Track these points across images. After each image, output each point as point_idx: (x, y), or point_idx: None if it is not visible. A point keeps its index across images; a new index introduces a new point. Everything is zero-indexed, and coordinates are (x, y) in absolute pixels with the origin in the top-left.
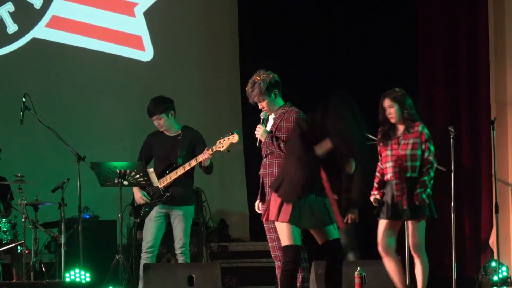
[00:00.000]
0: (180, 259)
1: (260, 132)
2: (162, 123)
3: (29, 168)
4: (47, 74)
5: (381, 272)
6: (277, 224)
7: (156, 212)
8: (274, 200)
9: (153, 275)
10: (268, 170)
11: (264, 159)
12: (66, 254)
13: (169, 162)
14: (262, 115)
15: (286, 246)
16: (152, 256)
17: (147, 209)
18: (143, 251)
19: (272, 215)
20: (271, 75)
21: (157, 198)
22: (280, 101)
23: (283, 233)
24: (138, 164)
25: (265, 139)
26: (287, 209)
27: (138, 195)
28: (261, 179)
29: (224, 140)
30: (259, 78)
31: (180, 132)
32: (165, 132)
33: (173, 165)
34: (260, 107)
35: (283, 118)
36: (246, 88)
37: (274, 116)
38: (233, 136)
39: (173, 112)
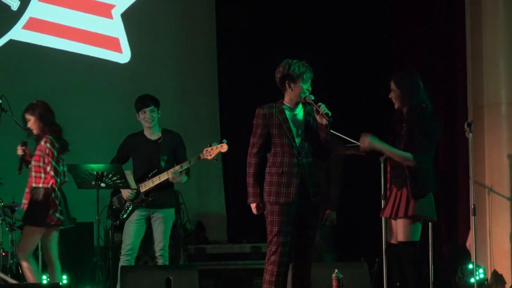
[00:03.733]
0: (159, 261)
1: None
2: (154, 116)
3: (5, 170)
4: (24, 76)
5: (359, 274)
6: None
7: (136, 215)
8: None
9: (131, 277)
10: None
11: (300, 158)
12: (43, 257)
13: (150, 166)
14: (310, 97)
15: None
16: (131, 259)
17: (126, 214)
18: (122, 253)
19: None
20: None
21: (139, 202)
22: None
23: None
24: (116, 166)
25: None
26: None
27: (127, 192)
28: (296, 179)
29: (212, 149)
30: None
31: (160, 135)
32: (145, 134)
33: (155, 169)
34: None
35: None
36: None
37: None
38: (222, 146)
39: (160, 112)
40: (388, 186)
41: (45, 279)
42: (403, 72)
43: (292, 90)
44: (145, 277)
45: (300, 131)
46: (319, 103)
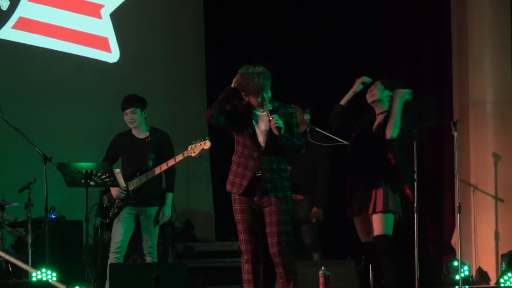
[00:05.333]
0: (148, 259)
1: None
2: (136, 117)
3: None
4: (14, 75)
5: (345, 272)
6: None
7: (125, 213)
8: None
9: (120, 275)
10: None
11: (260, 153)
12: (32, 254)
13: (138, 165)
14: (267, 107)
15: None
16: (120, 257)
17: (116, 210)
18: (111, 251)
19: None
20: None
21: (127, 200)
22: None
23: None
24: (105, 165)
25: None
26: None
27: (116, 191)
28: (250, 172)
29: (196, 146)
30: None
31: (148, 134)
32: (133, 133)
33: (143, 168)
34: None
35: (280, 113)
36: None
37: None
38: (205, 143)
39: (146, 112)
40: (349, 184)
41: (34, 276)
42: (392, 78)
43: (255, 98)
44: (134, 274)
45: (263, 127)
46: (274, 115)
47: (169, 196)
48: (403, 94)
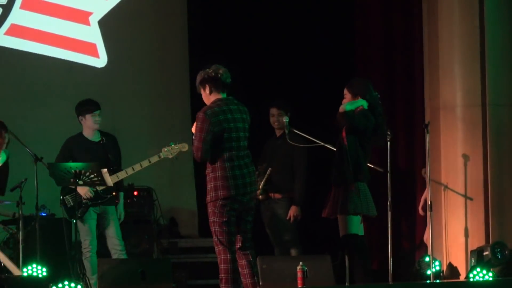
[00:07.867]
0: (121, 255)
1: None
2: (100, 119)
3: None
4: (6, 79)
5: (322, 267)
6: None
7: (92, 212)
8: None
9: (108, 270)
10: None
11: None
12: (24, 250)
13: (101, 167)
14: None
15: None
16: (94, 253)
17: (84, 211)
18: (87, 250)
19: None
20: (209, 71)
21: (95, 200)
22: (212, 98)
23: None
24: (92, 165)
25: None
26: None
27: (85, 190)
28: None
29: (173, 148)
30: (202, 71)
31: (101, 136)
32: (85, 136)
33: (110, 169)
34: None
35: None
36: None
37: None
38: (183, 146)
39: None
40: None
41: (25, 272)
42: (355, 79)
43: (208, 93)
44: (121, 269)
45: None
46: None
47: (122, 195)
48: (359, 108)
